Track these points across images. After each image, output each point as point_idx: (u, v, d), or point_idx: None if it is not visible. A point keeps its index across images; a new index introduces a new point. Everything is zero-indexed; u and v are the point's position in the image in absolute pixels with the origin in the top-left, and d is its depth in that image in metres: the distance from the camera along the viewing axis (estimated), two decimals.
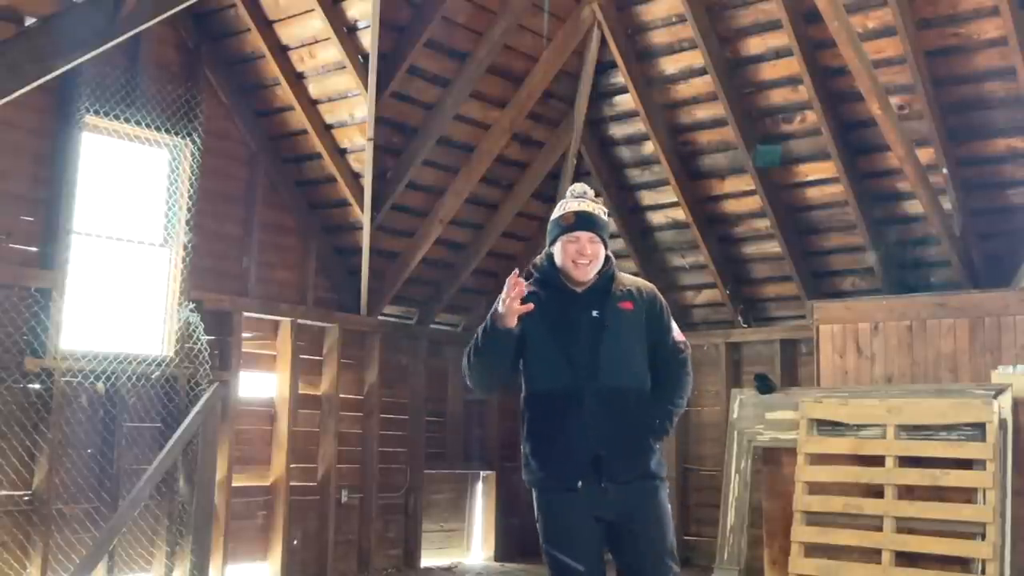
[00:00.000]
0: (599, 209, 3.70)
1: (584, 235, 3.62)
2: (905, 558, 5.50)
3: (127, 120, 7.08)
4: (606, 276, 3.69)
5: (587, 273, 3.63)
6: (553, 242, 3.69)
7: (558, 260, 3.66)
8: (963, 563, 5.34)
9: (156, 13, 5.84)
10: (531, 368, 3.64)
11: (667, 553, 3.58)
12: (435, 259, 9.04)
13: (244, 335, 7.80)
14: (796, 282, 8.73)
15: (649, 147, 8.92)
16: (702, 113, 8.54)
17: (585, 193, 3.74)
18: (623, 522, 3.57)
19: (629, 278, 3.79)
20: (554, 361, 3.58)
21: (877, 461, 5.71)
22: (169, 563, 7.09)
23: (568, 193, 3.78)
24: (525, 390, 3.68)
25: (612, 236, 9.17)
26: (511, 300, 3.44)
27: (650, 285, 3.80)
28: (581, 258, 3.62)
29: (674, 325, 3.78)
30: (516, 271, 3.49)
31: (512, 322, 3.47)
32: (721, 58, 8.08)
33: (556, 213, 3.72)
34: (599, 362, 3.55)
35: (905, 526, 5.55)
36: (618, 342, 3.60)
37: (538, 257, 3.77)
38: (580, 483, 3.53)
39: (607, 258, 3.70)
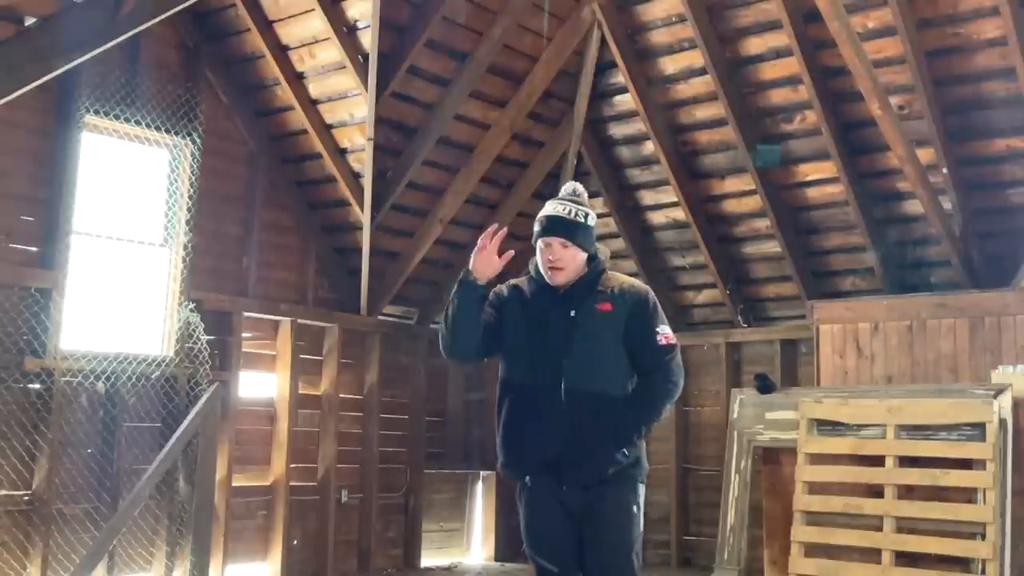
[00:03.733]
0: (580, 210, 3.61)
1: (555, 240, 3.58)
2: (905, 558, 5.49)
3: (127, 120, 7.09)
4: (589, 276, 3.64)
5: (557, 278, 3.60)
6: (535, 243, 3.69)
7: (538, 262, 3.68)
8: (963, 563, 5.33)
9: (156, 13, 5.84)
10: (504, 359, 3.71)
11: (624, 555, 3.53)
12: (435, 259, 9.04)
13: (244, 335, 7.79)
14: (796, 282, 8.72)
15: (649, 147, 8.92)
16: (702, 113, 8.54)
17: (574, 192, 3.70)
18: (586, 520, 3.54)
19: (620, 278, 3.71)
20: (522, 356, 3.62)
21: (877, 461, 5.70)
22: (169, 563, 7.09)
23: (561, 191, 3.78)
24: (499, 378, 3.72)
25: (612, 236, 9.24)
26: (484, 249, 3.47)
27: (642, 286, 3.70)
28: (550, 263, 3.60)
29: (663, 327, 3.64)
30: (496, 226, 3.52)
31: (481, 271, 3.49)
32: (721, 58, 8.08)
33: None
34: (569, 362, 3.52)
35: (905, 526, 5.54)
36: (591, 343, 3.55)
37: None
38: (528, 479, 3.56)
39: (593, 258, 3.66)
